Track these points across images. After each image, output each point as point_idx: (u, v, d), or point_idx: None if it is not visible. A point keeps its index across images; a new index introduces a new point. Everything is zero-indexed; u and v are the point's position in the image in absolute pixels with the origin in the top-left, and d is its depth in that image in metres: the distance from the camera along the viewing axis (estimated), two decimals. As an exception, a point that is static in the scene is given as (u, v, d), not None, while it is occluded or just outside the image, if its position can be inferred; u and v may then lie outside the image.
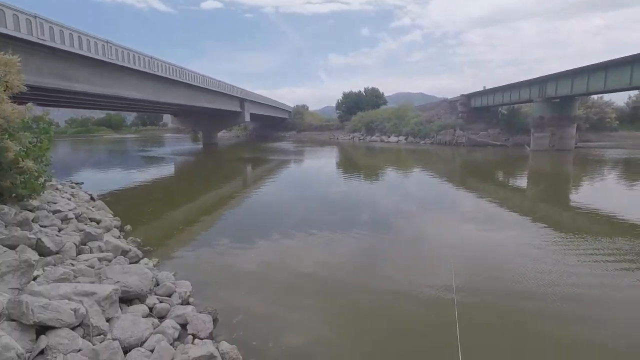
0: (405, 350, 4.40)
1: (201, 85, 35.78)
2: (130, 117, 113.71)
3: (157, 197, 14.88)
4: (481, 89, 44.35)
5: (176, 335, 4.30)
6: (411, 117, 51.71)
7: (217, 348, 4.02)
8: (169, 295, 5.43)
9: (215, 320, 4.91)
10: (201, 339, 4.32)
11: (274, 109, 68.00)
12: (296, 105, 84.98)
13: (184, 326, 4.56)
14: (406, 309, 5.32)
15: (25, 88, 7.08)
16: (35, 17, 17.32)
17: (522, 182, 19.35)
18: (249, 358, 4.12)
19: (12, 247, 4.75)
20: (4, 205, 6.01)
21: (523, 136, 38.59)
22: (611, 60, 25.66)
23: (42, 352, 2.95)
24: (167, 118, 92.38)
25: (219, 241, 8.56)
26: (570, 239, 8.40)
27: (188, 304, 5.41)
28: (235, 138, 74.82)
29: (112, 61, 23.02)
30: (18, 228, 5.41)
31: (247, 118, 52.26)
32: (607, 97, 43.71)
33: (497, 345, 4.50)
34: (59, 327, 3.17)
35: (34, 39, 17.42)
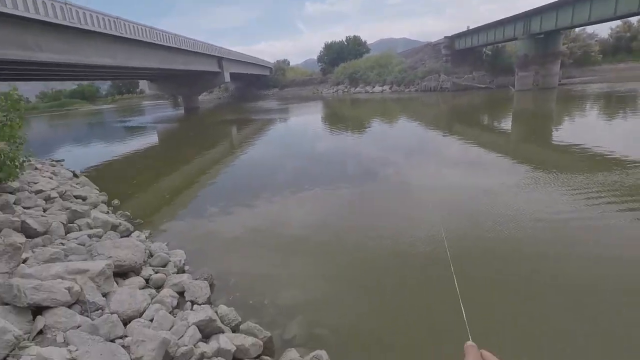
0: (401, 302, 4.60)
1: (174, 46, 33.91)
2: (105, 86, 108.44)
3: (142, 168, 14.65)
4: (465, 29, 43.07)
5: (175, 303, 4.43)
6: (395, 65, 50.48)
7: (215, 312, 4.17)
8: (164, 266, 5.53)
9: (211, 286, 5.06)
10: (199, 304, 4.46)
11: (254, 67, 65.42)
12: (277, 61, 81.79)
13: (181, 294, 4.69)
14: (396, 261, 5.48)
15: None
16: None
17: (506, 124, 19.47)
18: (247, 318, 4.29)
19: (-3, 232, 4.70)
20: (-19, 191, 5.85)
21: (507, 77, 38.21)
22: (596, -10, 24.88)
23: (41, 332, 3.02)
24: (143, 85, 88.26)
25: (209, 207, 8.59)
26: (548, 176, 8.63)
27: (183, 272, 5.53)
28: (217, 100, 72.64)
29: (74, 25, 21.46)
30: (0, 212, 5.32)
31: (227, 78, 50.35)
32: (589, 29, 43.03)
33: (488, 278, 4.76)
34: (55, 307, 3.22)
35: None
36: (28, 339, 2.92)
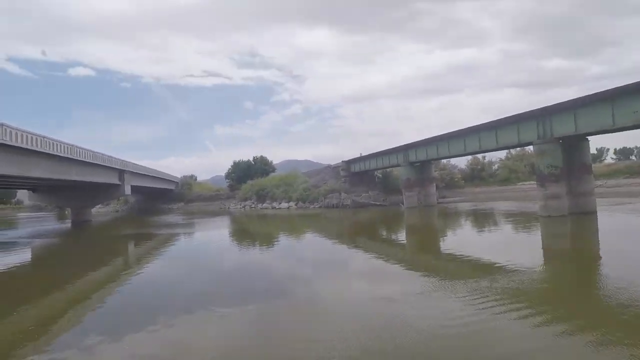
0: None
1: (68, 156, 31.66)
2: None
3: (2, 293, 11.90)
4: (358, 155, 50.00)
5: None
6: (299, 183, 54.30)
7: None
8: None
9: None
10: None
11: (159, 180, 63.51)
12: (184, 176, 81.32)
13: None
14: None
15: None
16: None
17: (401, 236, 21.72)
18: None
19: None
20: None
21: (397, 195, 43.99)
22: (450, 133, 32.36)
23: None
24: (22, 195, 77.03)
25: (91, 338, 7.16)
26: (442, 283, 9.60)
27: None
28: (113, 213, 66.54)
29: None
30: None
31: (128, 191, 47.37)
32: (452, 161, 54.33)
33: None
34: None
35: None
36: None
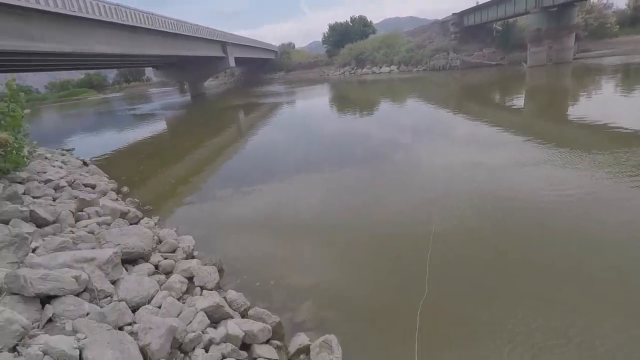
0: (410, 284, 4.54)
1: (175, 32, 33.44)
2: (112, 74, 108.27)
3: (151, 154, 14.65)
4: (474, 5, 41.64)
5: (184, 288, 4.42)
6: (402, 45, 49.28)
7: (224, 297, 4.15)
8: (173, 251, 5.53)
9: (220, 271, 5.05)
10: (209, 290, 4.44)
11: (259, 51, 64.52)
12: (282, 44, 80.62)
13: (190, 279, 4.69)
14: (400, 245, 5.40)
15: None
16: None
17: (518, 101, 18.92)
18: (256, 302, 4.27)
19: (5, 222, 4.71)
20: (-11, 181, 5.88)
21: (519, 53, 37.01)
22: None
23: (50, 320, 3.02)
24: (149, 72, 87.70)
25: (218, 192, 8.58)
26: (558, 154, 8.36)
27: (192, 257, 5.53)
28: (223, 86, 72.18)
29: (74, 14, 21.22)
30: (8, 202, 5.33)
31: (232, 63, 49.74)
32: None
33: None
34: (63, 295, 3.22)
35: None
36: (38, 327, 2.92)
